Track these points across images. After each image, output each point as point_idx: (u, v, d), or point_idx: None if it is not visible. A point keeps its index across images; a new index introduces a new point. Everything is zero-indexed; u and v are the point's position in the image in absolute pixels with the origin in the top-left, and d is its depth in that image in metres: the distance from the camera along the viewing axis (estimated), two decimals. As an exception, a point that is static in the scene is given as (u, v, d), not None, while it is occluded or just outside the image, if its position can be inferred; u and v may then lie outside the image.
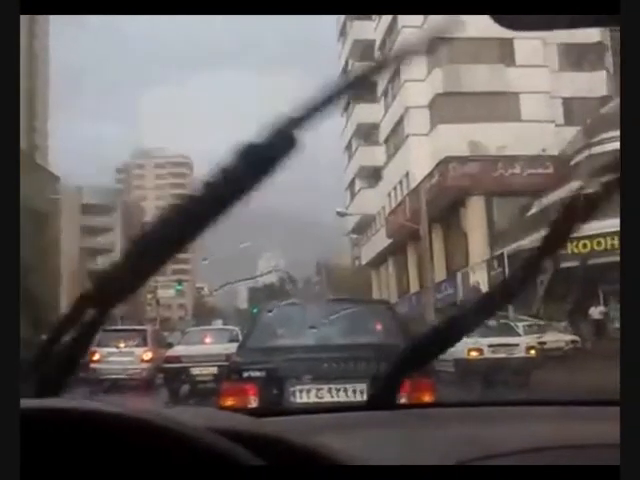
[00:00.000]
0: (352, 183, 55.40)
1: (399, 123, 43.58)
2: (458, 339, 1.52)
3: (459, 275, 35.42)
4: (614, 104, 30.83)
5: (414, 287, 41.50)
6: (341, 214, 46.69)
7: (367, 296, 43.20)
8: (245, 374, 5.92)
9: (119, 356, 18.42)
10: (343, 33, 56.79)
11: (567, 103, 38.42)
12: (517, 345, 17.30)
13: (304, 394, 5.81)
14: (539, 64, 38.16)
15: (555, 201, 30.30)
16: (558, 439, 1.17)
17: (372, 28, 49.09)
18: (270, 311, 7.32)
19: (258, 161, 0.87)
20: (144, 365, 18.31)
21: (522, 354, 17.15)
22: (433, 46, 38.72)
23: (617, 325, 24.48)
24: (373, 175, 50.95)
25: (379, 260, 50.84)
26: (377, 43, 48.57)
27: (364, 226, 53.22)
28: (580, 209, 1.19)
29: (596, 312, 26.66)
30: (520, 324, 22.12)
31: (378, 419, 1.50)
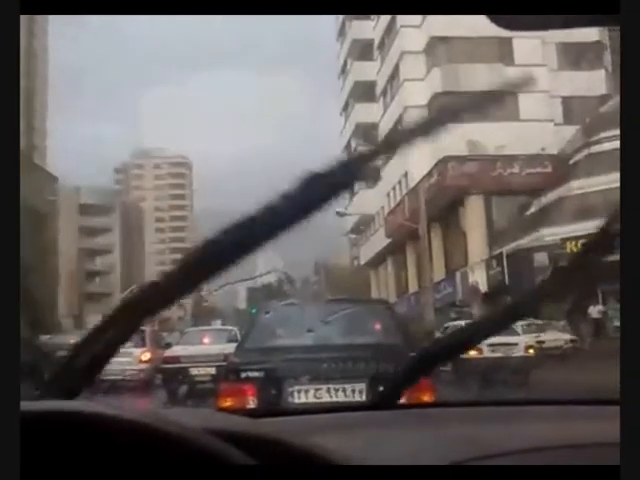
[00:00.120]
0: (351, 183, 55.37)
1: (398, 123, 43.56)
2: (472, 344, 1.52)
3: (458, 275, 35.43)
4: (613, 103, 30.86)
5: (413, 287, 41.51)
6: (340, 214, 46.64)
7: (366, 296, 43.22)
8: (243, 374, 5.91)
9: (117, 357, 18.32)
10: (342, 33, 56.79)
11: (566, 102, 38.44)
12: (516, 344, 17.32)
13: (302, 394, 5.80)
14: (538, 63, 38.16)
15: (554, 200, 30.34)
16: (558, 439, 1.17)
17: (371, 27, 49.10)
18: (268, 312, 7.32)
19: (321, 189, 0.90)
20: (142, 366, 18.28)
21: (521, 353, 17.17)
22: (432, 45, 38.80)
23: (616, 324, 24.50)
24: (372, 175, 50.92)
25: (378, 260, 50.85)
26: (376, 42, 48.59)
27: (363, 226, 53.23)
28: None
29: (595, 311, 26.68)
30: (519, 323, 22.13)
31: (377, 419, 1.50)
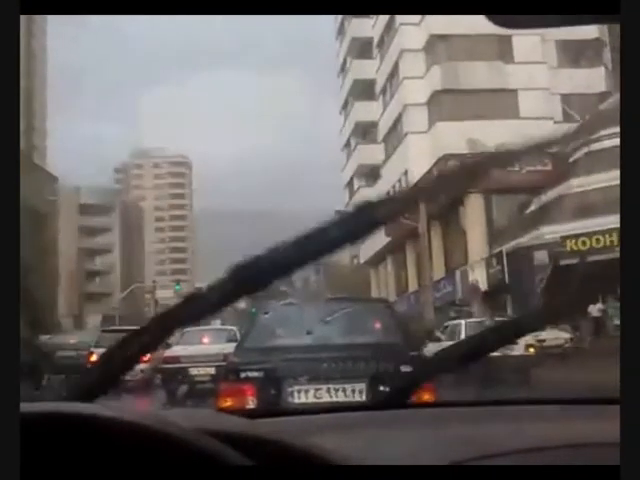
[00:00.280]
0: (351, 182, 55.40)
1: (397, 121, 43.58)
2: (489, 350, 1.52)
3: (458, 273, 35.43)
4: (613, 100, 30.85)
5: (413, 285, 41.51)
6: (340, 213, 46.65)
7: (366, 295, 43.23)
8: (243, 374, 5.90)
9: None
10: (341, 31, 56.79)
11: (566, 99, 38.44)
12: (516, 343, 17.31)
13: (302, 394, 5.79)
14: (538, 61, 38.18)
15: (554, 198, 30.34)
16: (558, 438, 1.17)
17: (370, 26, 49.08)
18: (268, 312, 7.30)
19: (345, 230, 1.00)
20: (142, 366, 18.25)
21: (521, 352, 17.16)
22: (431, 43, 38.78)
23: (616, 322, 24.50)
24: (372, 173, 50.95)
25: (378, 259, 50.83)
26: (375, 41, 48.58)
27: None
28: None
29: (595, 310, 26.67)
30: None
31: (377, 419, 1.50)
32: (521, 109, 38.12)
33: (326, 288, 60.20)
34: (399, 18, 41.99)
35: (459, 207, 35.26)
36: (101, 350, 18.96)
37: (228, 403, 5.78)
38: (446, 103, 38.50)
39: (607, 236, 26.49)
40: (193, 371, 15.96)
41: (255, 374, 5.86)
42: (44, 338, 27.17)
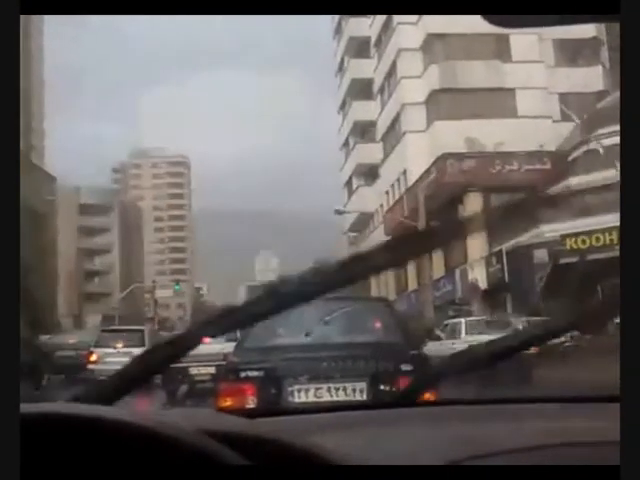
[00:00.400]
0: (350, 181, 55.40)
1: (396, 120, 43.58)
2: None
3: (457, 272, 35.43)
4: (611, 99, 30.85)
5: (412, 284, 41.50)
6: (339, 212, 46.70)
7: (365, 294, 43.20)
8: (243, 374, 5.89)
9: (117, 356, 18.41)
10: (338, 30, 56.78)
11: (564, 98, 38.44)
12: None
13: (302, 394, 5.78)
14: (535, 60, 38.19)
15: (554, 197, 30.33)
16: (558, 436, 1.17)
17: (367, 25, 49.10)
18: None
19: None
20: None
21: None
22: (429, 42, 38.78)
23: (615, 321, 24.45)
24: (370, 173, 50.96)
25: (377, 258, 50.76)
26: (373, 40, 48.58)
27: (362, 224, 53.22)
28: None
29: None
30: (519, 320, 22.15)
31: (378, 418, 1.50)
32: (519, 108, 38.12)
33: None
34: (396, 17, 41.99)
35: (458, 206, 35.25)
36: (101, 350, 19.01)
37: (228, 403, 5.77)
38: (444, 102, 38.50)
39: (607, 234, 26.50)
40: (193, 371, 15.94)
41: (255, 373, 5.86)
42: (44, 338, 27.17)
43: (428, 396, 1.74)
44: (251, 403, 5.72)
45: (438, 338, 20.59)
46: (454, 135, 35.94)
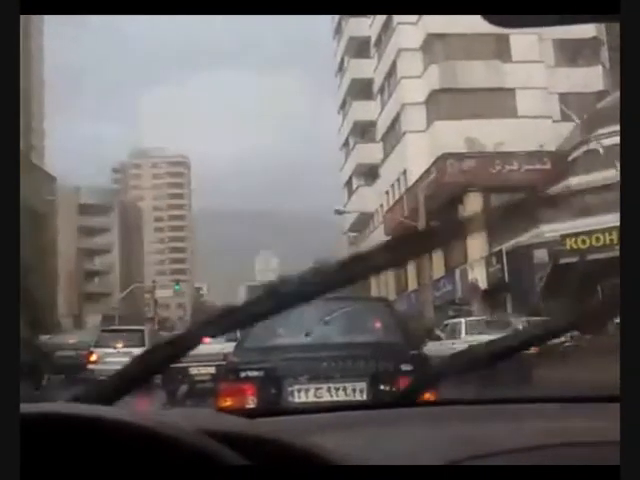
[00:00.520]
0: (350, 181, 55.40)
1: (396, 120, 43.58)
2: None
3: (457, 272, 35.43)
4: (611, 99, 30.85)
5: (412, 284, 41.50)
6: (339, 212, 46.71)
7: (365, 294, 43.19)
8: (243, 374, 5.88)
9: (117, 356, 18.42)
10: (338, 30, 56.77)
11: (564, 98, 38.44)
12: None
13: (302, 394, 5.78)
14: (535, 60, 38.19)
15: (553, 197, 30.33)
16: (558, 436, 1.17)
17: (367, 25, 49.10)
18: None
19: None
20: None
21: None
22: (429, 42, 38.77)
23: (615, 320, 24.45)
24: (370, 173, 50.96)
25: (377, 257, 50.77)
26: (373, 40, 48.58)
27: (362, 224, 53.23)
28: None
29: (594, 307, 26.63)
30: (519, 320, 22.16)
31: (378, 418, 1.50)
32: (519, 108, 38.12)
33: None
34: (396, 17, 41.98)
35: (458, 206, 35.26)
36: (101, 350, 19.02)
37: (228, 403, 5.77)
38: (444, 102, 38.50)
39: (607, 234, 26.49)
40: (193, 371, 15.94)
41: (255, 373, 5.85)
42: (44, 338, 27.17)
43: (428, 396, 1.74)
44: (251, 403, 5.71)
45: (438, 338, 20.60)
46: (454, 135, 35.94)
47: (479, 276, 32.56)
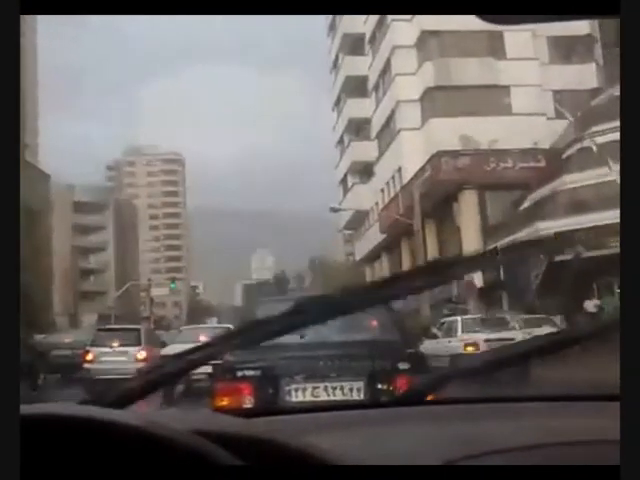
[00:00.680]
0: (345, 179, 55.37)
1: (390, 117, 43.57)
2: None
3: (453, 270, 35.36)
4: (604, 96, 30.89)
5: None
6: (334, 210, 46.68)
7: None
8: (239, 373, 5.86)
9: (113, 356, 18.38)
10: (332, 27, 56.71)
11: (558, 96, 38.47)
12: (513, 339, 17.33)
13: (300, 393, 5.76)
14: (529, 57, 38.22)
15: (548, 194, 30.38)
16: (558, 435, 1.17)
17: (362, 22, 49.03)
18: (262, 307, 7.24)
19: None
20: (138, 364, 18.27)
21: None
22: (423, 40, 38.75)
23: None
24: (365, 170, 50.93)
25: (373, 255, 50.85)
26: (367, 37, 48.55)
27: (357, 222, 53.23)
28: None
29: (591, 305, 26.70)
30: (515, 318, 22.19)
31: (376, 417, 1.50)
32: (513, 105, 38.16)
33: (322, 285, 60.19)
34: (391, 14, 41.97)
35: (453, 203, 35.30)
36: (97, 349, 18.98)
37: (224, 402, 5.75)
38: (439, 99, 38.50)
39: (602, 232, 26.50)
40: (189, 370, 15.92)
41: (251, 373, 5.83)
42: (39, 337, 27.12)
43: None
44: (248, 402, 5.69)
45: (435, 336, 20.63)
46: (449, 132, 35.94)
47: (475, 274, 32.57)
